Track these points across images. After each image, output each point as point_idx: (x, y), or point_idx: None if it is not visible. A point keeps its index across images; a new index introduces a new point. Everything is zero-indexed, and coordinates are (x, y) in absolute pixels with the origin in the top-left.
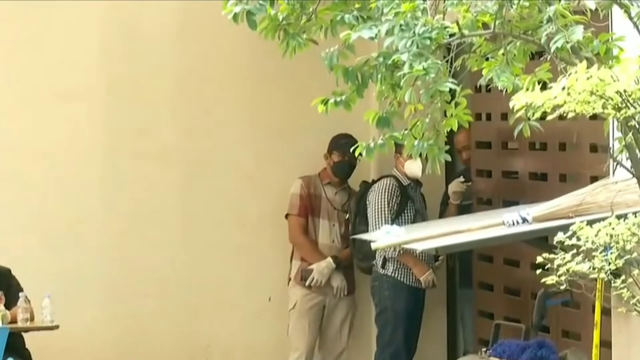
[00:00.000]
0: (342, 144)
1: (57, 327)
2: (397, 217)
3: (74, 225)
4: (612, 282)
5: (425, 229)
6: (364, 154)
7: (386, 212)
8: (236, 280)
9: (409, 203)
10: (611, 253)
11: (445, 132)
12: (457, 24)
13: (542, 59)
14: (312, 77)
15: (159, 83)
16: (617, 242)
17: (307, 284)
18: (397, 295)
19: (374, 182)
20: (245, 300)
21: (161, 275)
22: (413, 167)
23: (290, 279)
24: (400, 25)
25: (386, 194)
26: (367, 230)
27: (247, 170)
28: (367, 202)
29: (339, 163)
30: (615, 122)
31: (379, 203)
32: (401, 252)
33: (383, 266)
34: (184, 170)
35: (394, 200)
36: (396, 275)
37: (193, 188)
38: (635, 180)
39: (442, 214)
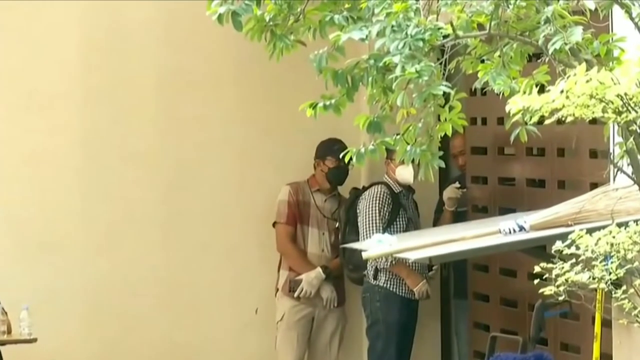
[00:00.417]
0: (336, 149)
1: (35, 340)
2: (388, 225)
3: (53, 233)
4: (613, 292)
5: (418, 237)
6: (354, 159)
7: (377, 221)
8: (221, 290)
9: (400, 211)
10: (612, 262)
11: (439, 137)
12: (451, 24)
13: (539, 61)
14: (300, 81)
15: (142, 85)
16: (618, 251)
17: (295, 295)
18: (389, 307)
19: (364, 189)
20: (231, 312)
21: (142, 286)
22: (404, 173)
23: (277, 290)
24: (392, 26)
25: (377, 202)
26: (357, 240)
27: (233, 177)
28: (358, 211)
29: (334, 169)
30: (616, 127)
31: (370, 211)
32: (393, 262)
33: (375, 277)
34: (167, 176)
35: (385, 209)
36: (388, 286)
37: (176, 194)
38: (636, 187)
39: (436, 222)
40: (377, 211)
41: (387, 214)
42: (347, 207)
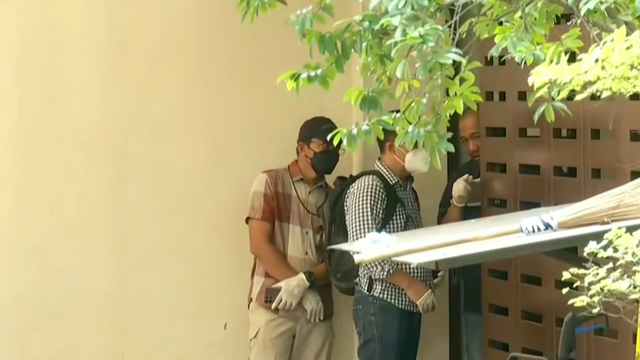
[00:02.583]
0: (324, 130)
1: None
2: (383, 226)
3: None
4: None
5: (422, 237)
6: (344, 142)
7: (369, 221)
8: (181, 302)
9: (398, 207)
10: None
11: (448, 115)
12: None
13: (569, 23)
14: (279, 47)
15: (85, 53)
16: None
17: (273, 306)
18: (387, 322)
19: (352, 179)
20: (194, 328)
21: (85, 297)
22: (416, 162)
23: (251, 300)
24: None
25: (368, 197)
26: (345, 242)
27: (197, 164)
28: (345, 208)
29: (321, 154)
30: None
31: (360, 209)
32: (391, 271)
33: (369, 289)
34: (116, 164)
35: (379, 205)
36: (385, 296)
37: (127, 186)
38: None
39: (440, 217)
40: (368, 209)
41: (380, 211)
42: (332, 201)
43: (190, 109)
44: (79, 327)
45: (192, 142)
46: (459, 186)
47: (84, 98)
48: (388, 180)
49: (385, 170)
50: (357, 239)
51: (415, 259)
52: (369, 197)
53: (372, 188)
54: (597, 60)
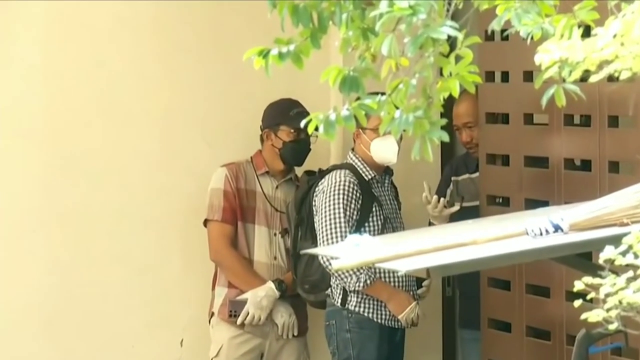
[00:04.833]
0: (294, 115)
1: None
2: (357, 229)
3: None
4: None
5: (411, 239)
6: (320, 130)
7: (342, 224)
8: (133, 316)
9: (374, 207)
10: None
11: (442, 99)
12: None
13: None
14: (245, 20)
15: (22, 34)
16: None
17: (239, 321)
18: (364, 339)
19: (321, 173)
20: (147, 346)
21: (21, 311)
22: (382, 149)
23: (212, 314)
24: None
25: (341, 196)
26: (313, 248)
27: (150, 157)
28: (314, 207)
29: (291, 144)
30: None
31: (332, 210)
32: (368, 282)
33: (343, 302)
34: (58, 159)
35: (352, 205)
36: (361, 309)
37: (70, 183)
38: None
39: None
40: (341, 210)
41: (355, 213)
42: (298, 200)
43: (143, 94)
44: (13, 343)
45: (144, 131)
46: (429, 210)
47: (20, 81)
48: (363, 175)
49: (359, 163)
50: (327, 244)
51: (403, 266)
52: (341, 196)
53: (344, 185)
54: (615, 36)
